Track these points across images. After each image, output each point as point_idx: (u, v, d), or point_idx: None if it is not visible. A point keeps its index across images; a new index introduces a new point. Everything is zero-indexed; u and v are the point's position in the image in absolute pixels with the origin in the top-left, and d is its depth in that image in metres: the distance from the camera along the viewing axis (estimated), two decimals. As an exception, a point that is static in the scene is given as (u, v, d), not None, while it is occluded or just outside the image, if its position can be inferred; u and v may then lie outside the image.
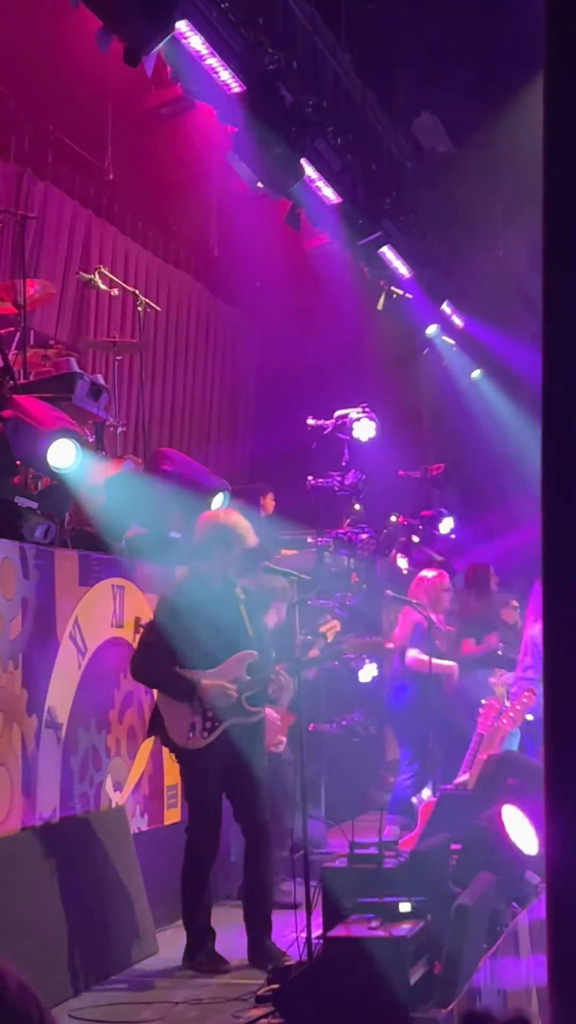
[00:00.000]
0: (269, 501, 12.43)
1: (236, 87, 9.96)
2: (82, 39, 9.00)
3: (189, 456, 9.98)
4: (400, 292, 14.53)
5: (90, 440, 8.64)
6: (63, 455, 7.42)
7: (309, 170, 11.44)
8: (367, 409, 12.52)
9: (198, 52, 9.47)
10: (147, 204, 14.24)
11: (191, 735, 7.33)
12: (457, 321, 16.25)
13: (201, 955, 7.38)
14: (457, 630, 11.57)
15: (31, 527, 7.22)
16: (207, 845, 7.49)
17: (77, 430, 7.74)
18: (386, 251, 13.57)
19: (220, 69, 9.73)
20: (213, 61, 9.62)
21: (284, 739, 8.54)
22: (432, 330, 15.97)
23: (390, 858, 6.25)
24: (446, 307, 15.84)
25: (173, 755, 7.69)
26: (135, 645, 8.04)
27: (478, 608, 11.82)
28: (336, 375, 15.60)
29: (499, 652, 11.57)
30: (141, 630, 7.87)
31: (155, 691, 7.61)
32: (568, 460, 3.58)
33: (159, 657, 7.36)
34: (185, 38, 9.26)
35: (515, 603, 12.81)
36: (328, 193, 12.02)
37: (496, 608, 12.16)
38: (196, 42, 9.37)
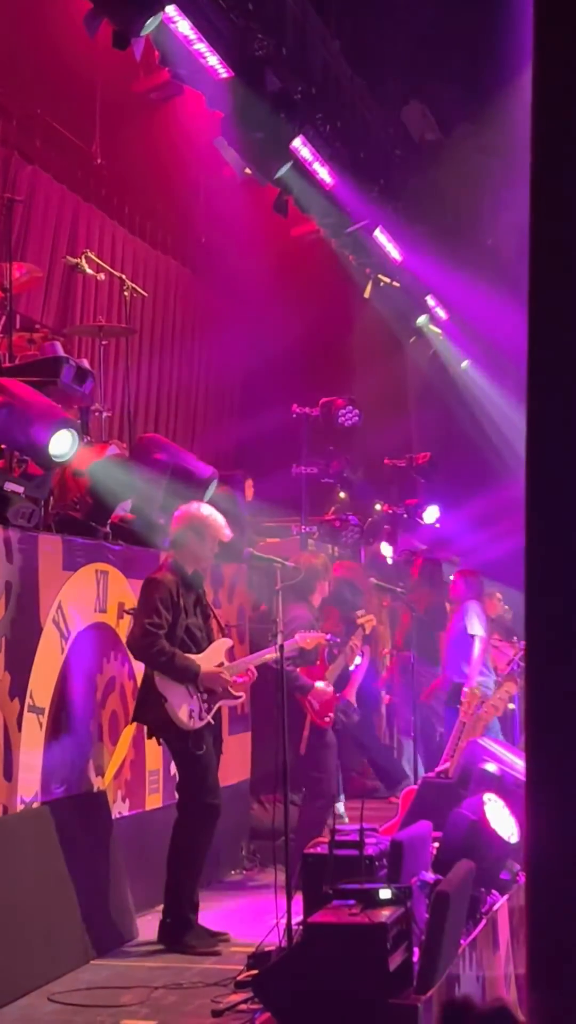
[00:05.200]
0: (249, 488, 12.43)
1: (224, 72, 9.93)
2: (71, 23, 8.99)
3: (174, 442, 9.97)
4: (387, 280, 14.51)
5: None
6: (63, 446, 7.47)
7: (305, 151, 11.40)
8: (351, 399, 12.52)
9: (186, 37, 9.44)
10: (135, 189, 14.22)
11: (192, 717, 7.47)
12: (441, 313, 16.25)
13: (190, 935, 7.43)
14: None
15: (15, 511, 7.21)
16: (213, 823, 7.61)
17: (72, 418, 7.81)
18: (378, 234, 13.55)
19: (208, 55, 9.70)
20: (201, 47, 9.60)
21: (332, 715, 8.92)
22: (423, 320, 15.97)
23: (371, 845, 6.27)
24: (430, 299, 15.86)
25: (162, 740, 7.72)
26: (117, 629, 8.08)
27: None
28: (322, 363, 15.60)
29: None
30: (134, 610, 7.89)
31: (144, 676, 7.65)
32: (554, 449, 3.58)
33: (164, 638, 7.49)
34: (173, 23, 9.23)
35: (499, 595, 12.82)
36: (324, 175, 11.96)
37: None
38: (184, 27, 9.34)
